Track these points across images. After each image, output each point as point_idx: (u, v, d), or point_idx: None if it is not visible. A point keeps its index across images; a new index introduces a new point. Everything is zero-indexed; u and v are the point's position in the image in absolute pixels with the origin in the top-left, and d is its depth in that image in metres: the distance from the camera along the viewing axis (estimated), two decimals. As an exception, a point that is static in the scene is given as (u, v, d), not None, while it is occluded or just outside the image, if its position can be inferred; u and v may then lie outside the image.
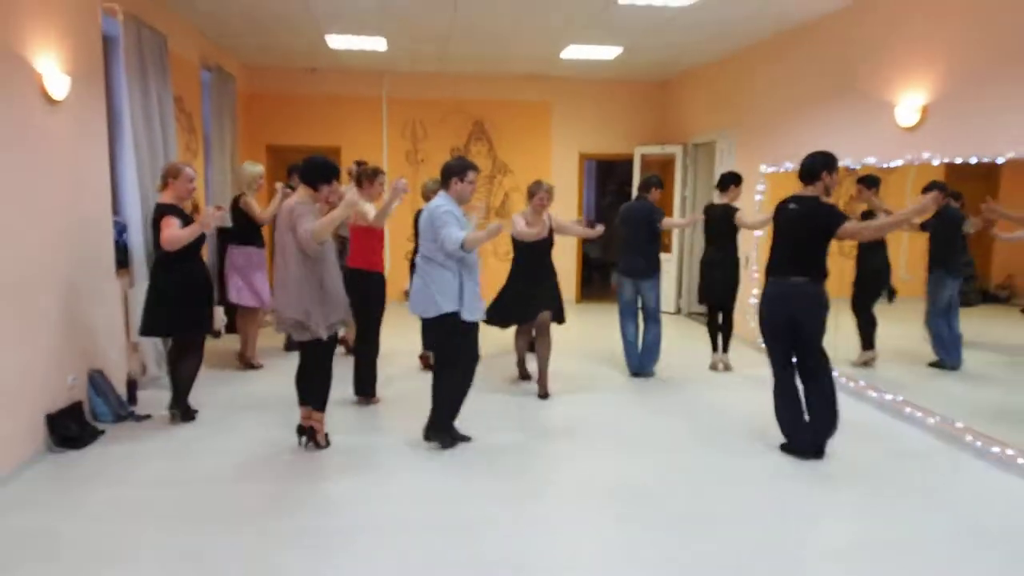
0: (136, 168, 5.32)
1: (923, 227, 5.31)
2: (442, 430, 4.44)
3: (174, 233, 4.38)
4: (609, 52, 8.08)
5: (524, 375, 5.94)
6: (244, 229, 6.02)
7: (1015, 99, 4.36)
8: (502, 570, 3.08)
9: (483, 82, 9.75)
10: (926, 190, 5.17)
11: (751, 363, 6.66)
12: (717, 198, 6.32)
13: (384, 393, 5.40)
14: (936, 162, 4.97)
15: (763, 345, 4.58)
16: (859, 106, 5.82)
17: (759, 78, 7.53)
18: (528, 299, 5.44)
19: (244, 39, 7.70)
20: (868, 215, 5.67)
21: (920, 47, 5.18)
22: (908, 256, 5.71)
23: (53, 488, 3.81)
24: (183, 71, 6.73)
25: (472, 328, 4.38)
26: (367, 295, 5.08)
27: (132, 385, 5.12)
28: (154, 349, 5.61)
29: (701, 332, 7.75)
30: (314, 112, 9.56)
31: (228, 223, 5.93)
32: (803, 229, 4.20)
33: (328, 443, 4.40)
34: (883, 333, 5.86)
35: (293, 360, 4.51)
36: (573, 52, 8.10)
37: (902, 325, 5.86)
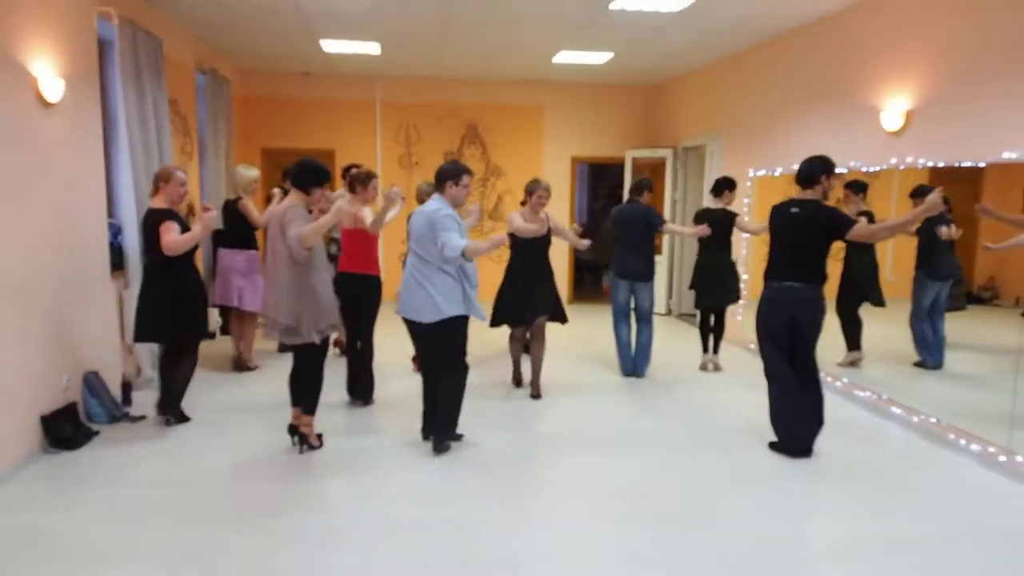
0: (131, 171, 5.35)
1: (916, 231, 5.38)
2: (450, 436, 4.47)
3: (175, 238, 4.36)
4: (600, 57, 8.16)
5: (519, 381, 5.88)
6: (242, 232, 6.04)
7: (998, 104, 4.45)
8: (500, 570, 3.10)
9: (476, 86, 9.82)
10: (914, 194, 5.26)
11: (740, 364, 6.74)
12: (712, 203, 6.36)
13: (378, 394, 5.42)
14: (920, 166, 5.06)
15: (756, 347, 4.63)
16: (845, 111, 5.91)
17: (748, 83, 7.62)
18: (527, 299, 5.43)
19: (239, 43, 7.74)
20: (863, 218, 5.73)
21: (905, 53, 5.27)
22: (894, 258, 5.79)
23: (48, 489, 3.83)
24: (178, 74, 6.77)
25: (466, 329, 4.40)
26: (359, 298, 5.10)
27: (127, 386, 5.15)
28: (149, 351, 5.63)
29: (692, 333, 7.83)
30: (308, 115, 9.61)
31: (219, 224, 5.95)
32: (804, 232, 4.23)
33: (321, 443, 4.44)
34: (868, 334, 5.94)
35: (288, 361, 4.53)
36: (565, 57, 8.18)
37: (887, 326, 5.93)
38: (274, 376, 5.91)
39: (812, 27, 6.43)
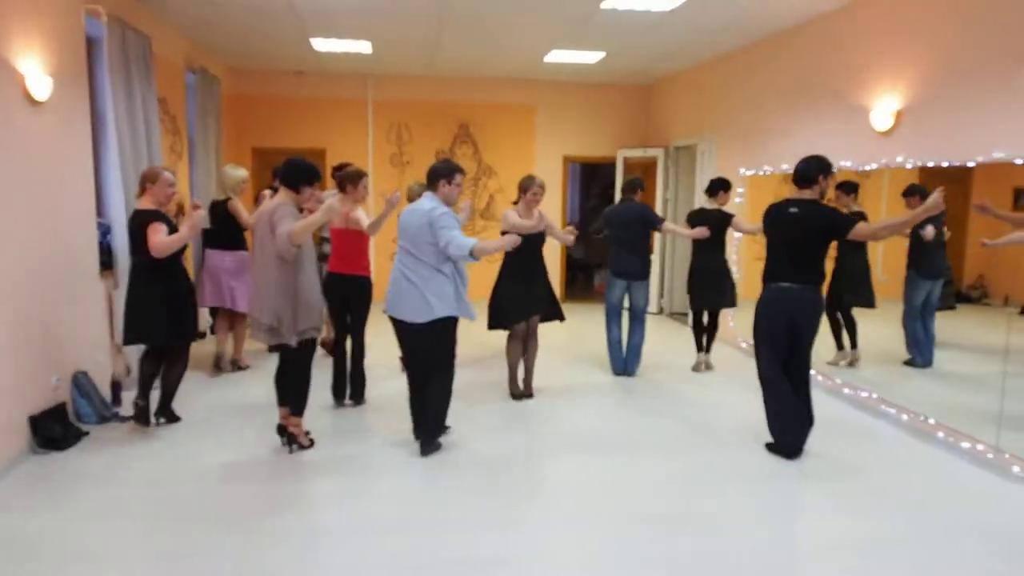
0: (120, 169, 5.31)
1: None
2: (438, 435, 4.45)
3: (163, 240, 4.27)
4: (592, 56, 8.16)
5: (516, 391, 5.57)
6: (231, 233, 5.99)
7: (987, 104, 4.48)
8: (496, 569, 3.10)
9: (468, 85, 9.81)
10: (907, 193, 5.28)
11: (732, 363, 6.76)
12: (706, 203, 6.33)
13: (367, 395, 5.39)
14: (910, 165, 5.09)
15: (752, 348, 4.62)
16: (835, 111, 5.93)
17: (739, 83, 7.64)
18: (525, 298, 5.38)
19: (229, 41, 7.71)
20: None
21: (895, 53, 5.29)
22: (884, 258, 5.81)
23: (37, 489, 3.81)
24: (167, 73, 6.73)
25: (456, 329, 4.37)
26: (349, 299, 5.06)
27: (116, 386, 5.12)
28: (138, 351, 5.59)
29: (684, 332, 7.84)
30: (299, 114, 9.57)
31: (207, 223, 5.90)
32: (804, 232, 4.20)
33: (312, 443, 4.42)
34: (860, 332, 5.95)
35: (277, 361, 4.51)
36: (557, 56, 8.17)
37: (877, 325, 5.96)
38: (265, 376, 5.83)
39: (803, 27, 6.46)
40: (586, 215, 12.54)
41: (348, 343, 5.22)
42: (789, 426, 4.39)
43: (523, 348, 5.53)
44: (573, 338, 7.73)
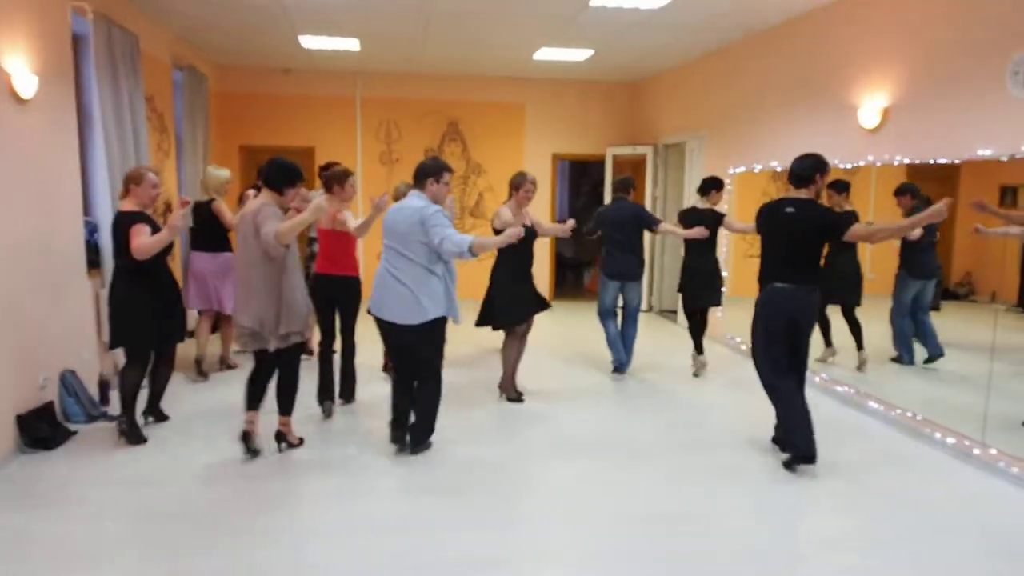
0: (107, 168, 5.28)
1: None
2: (430, 435, 4.41)
3: (144, 242, 4.15)
4: (581, 54, 8.17)
5: (515, 395, 5.51)
6: (215, 235, 5.89)
7: (974, 101, 4.51)
8: (492, 569, 3.10)
9: (457, 83, 9.80)
10: (898, 192, 5.31)
11: (724, 360, 6.78)
12: (698, 202, 6.24)
13: (356, 395, 5.37)
14: (897, 163, 5.12)
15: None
16: (824, 108, 5.96)
17: (727, 81, 7.67)
18: (526, 297, 5.33)
19: (217, 39, 7.67)
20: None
21: (882, 50, 5.33)
22: (872, 256, 5.85)
23: (24, 489, 3.78)
24: (155, 70, 6.68)
25: (444, 328, 4.32)
26: (337, 300, 5.00)
27: (104, 385, 5.09)
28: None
29: (674, 330, 7.89)
30: (287, 112, 9.53)
31: (189, 222, 5.85)
32: (801, 232, 4.12)
33: (301, 442, 4.41)
34: (844, 329, 5.97)
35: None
36: (545, 54, 8.18)
37: (866, 322, 5.99)
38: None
39: (791, 24, 6.48)
40: (576, 213, 12.51)
41: (336, 344, 5.16)
42: (808, 431, 4.18)
43: (520, 351, 5.50)
44: (565, 338, 7.74)
